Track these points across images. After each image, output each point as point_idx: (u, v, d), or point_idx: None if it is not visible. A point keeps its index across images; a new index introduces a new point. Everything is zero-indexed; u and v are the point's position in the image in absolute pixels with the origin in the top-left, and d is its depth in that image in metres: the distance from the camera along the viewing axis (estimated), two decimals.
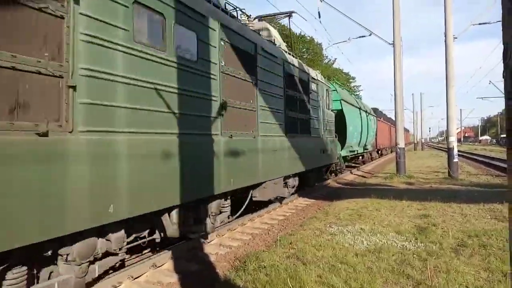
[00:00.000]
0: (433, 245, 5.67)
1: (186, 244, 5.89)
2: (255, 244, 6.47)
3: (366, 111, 23.75)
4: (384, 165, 25.57)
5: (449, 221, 7.28)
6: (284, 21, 49.90)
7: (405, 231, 6.53)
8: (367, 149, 24.39)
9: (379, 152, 33.17)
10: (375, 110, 31.41)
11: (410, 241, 5.96)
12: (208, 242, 6.37)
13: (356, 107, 20.79)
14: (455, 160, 15.64)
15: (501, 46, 1.56)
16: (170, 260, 5.32)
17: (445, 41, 16.04)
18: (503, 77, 1.63)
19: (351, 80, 63.82)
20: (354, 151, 19.87)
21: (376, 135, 27.97)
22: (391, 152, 40.94)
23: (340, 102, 17.20)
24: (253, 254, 5.51)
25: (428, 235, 6.21)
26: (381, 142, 31.63)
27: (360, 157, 24.93)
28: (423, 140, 67.44)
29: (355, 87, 63.97)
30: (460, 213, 8.02)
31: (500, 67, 1.62)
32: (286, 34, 50.67)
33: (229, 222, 7.60)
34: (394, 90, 17.13)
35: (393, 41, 17.07)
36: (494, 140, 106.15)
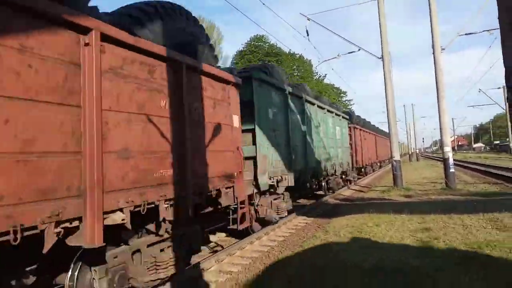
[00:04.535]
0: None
1: (184, 275, 5.71)
2: (255, 268, 6.30)
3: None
4: (381, 178, 25.51)
5: (451, 233, 7.18)
6: (273, 39, 50.58)
7: None
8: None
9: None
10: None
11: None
12: (208, 269, 6.20)
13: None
14: (452, 170, 15.62)
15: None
16: None
17: (433, 53, 16.24)
18: (506, 100, 1.59)
19: (342, 95, 64.25)
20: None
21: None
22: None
23: None
24: (254, 279, 5.36)
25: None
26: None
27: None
28: (417, 150, 67.69)
29: (346, 101, 64.39)
30: (461, 224, 7.92)
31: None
32: (276, 52, 51.44)
33: (228, 246, 7.44)
34: (386, 104, 17.19)
35: (382, 56, 17.26)
36: (488, 147, 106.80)
